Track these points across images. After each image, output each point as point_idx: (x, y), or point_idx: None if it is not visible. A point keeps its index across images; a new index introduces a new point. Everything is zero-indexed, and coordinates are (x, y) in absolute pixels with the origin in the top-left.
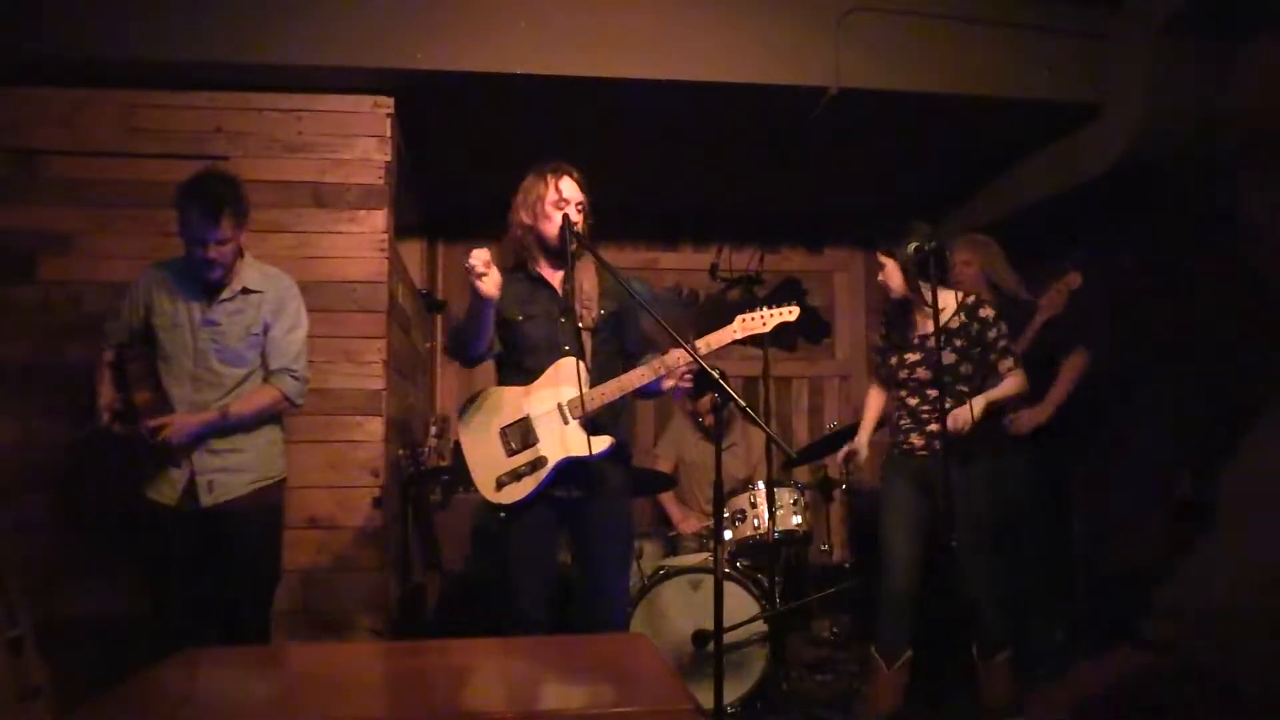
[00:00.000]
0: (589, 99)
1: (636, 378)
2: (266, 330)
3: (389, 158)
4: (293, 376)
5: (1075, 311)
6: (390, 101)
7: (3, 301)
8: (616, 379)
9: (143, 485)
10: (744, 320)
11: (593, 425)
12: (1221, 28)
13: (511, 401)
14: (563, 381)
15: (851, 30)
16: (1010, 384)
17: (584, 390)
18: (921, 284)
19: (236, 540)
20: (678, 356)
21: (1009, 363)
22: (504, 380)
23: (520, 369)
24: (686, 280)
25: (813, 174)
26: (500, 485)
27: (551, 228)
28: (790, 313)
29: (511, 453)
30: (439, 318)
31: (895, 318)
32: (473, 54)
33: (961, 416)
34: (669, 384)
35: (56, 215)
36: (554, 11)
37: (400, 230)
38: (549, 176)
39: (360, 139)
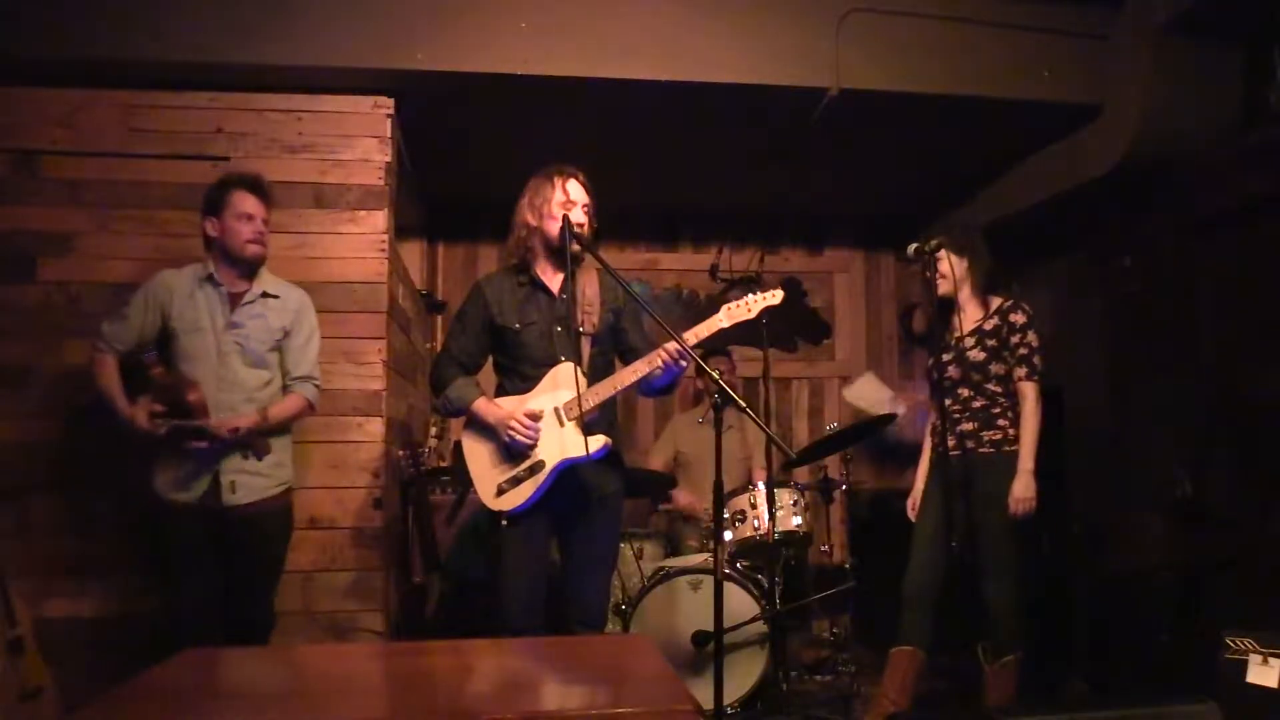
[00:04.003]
0: (589, 99)
1: (629, 375)
2: (285, 336)
3: (389, 158)
4: (315, 384)
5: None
6: (390, 101)
7: (3, 301)
8: (610, 378)
9: (159, 485)
10: (730, 309)
11: (588, 427)
12: (1228, 30)
13: (509, 409)
14: (559, 386)
15: (851, 30)
16: (1029, 416)
17: (580, 392)
18: (968, 286)
19: (252, 542)
20: (665, 349)
21: (1023, 371)
22: (503, 386)
23: (519, 375)
24: (686, 280)
25: (813, 174)
26: (500, 492)
27: (556, 229)
28: (774, 296)
29: (510, 459)
30: (439, 318)
31: (938, 321)
32: (473, 54)
33: (1024, 499)
34: (659, 366)
35: (56, 215)
36: (555, 12)
37: (400, 230)
38: (556, 178)
39: (360, 139)
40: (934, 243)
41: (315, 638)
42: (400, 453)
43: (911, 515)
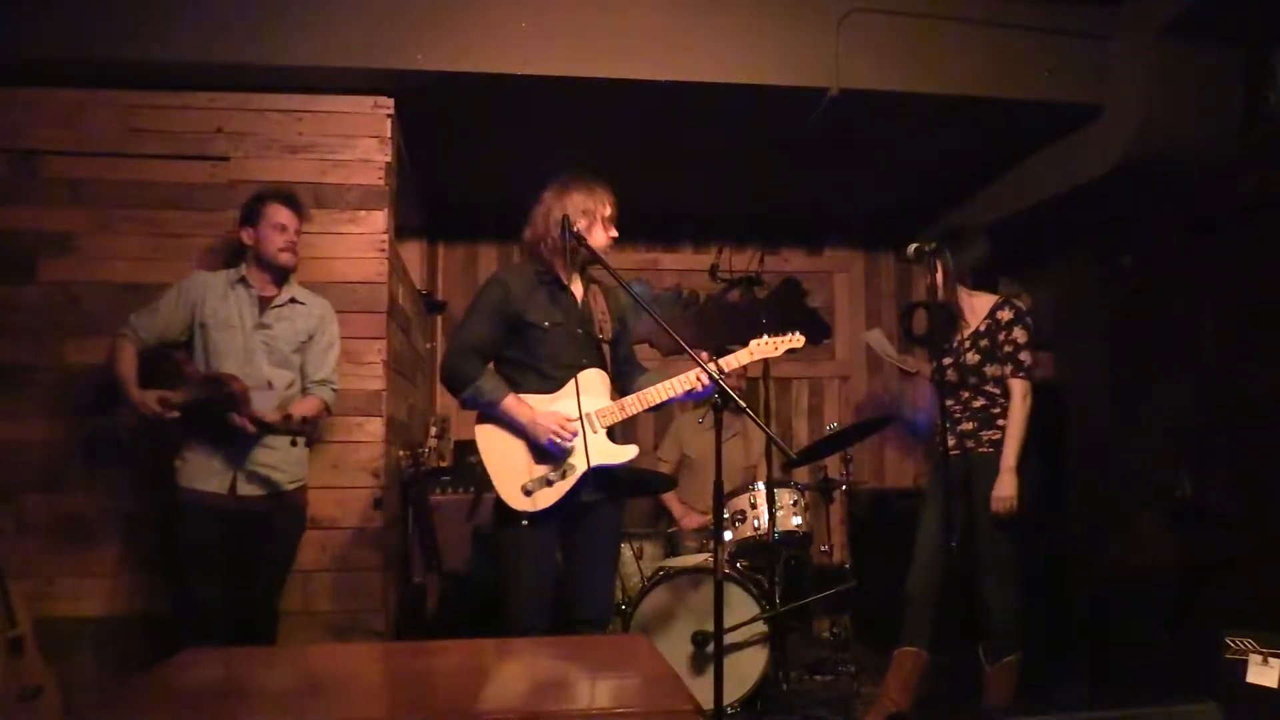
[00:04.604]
0: (589, 99)
1: (659, 393)
2: (309, 340)
3: (389, 158)
4: (332, 389)
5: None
6: (390, 102)
7: (3, 301)
8: (639, 394)
9: (183, 478)
10: (758, 345)
11: (613, 434)
12: (1228, 30)
13: (546, 411)
14: (589, 392)
15: (851, 30)
16: (1015, 413)
17: (612, 401)
18: (963, 288)
19: (265, 538)
20: (700, 379)
21: (1009, 369)
22: (516, 383)
23: (538, 374)
24: (686, 281)
25: (813, 174)
26: (528, 492)
27: (600, 241)
28: (798, 340)
29: (540, 460)
30: (439, 318)
31: (939, 323)
32: (473, 54)
33: (1004, 498)
34: (683, 392)
35: (56, 215)
36: (554, 11)
37: (400, 230)
38: (601, 191)
39: (360, 139)
40: (934, 244)
41: (315, 638)
42: (400, 453)
43: None
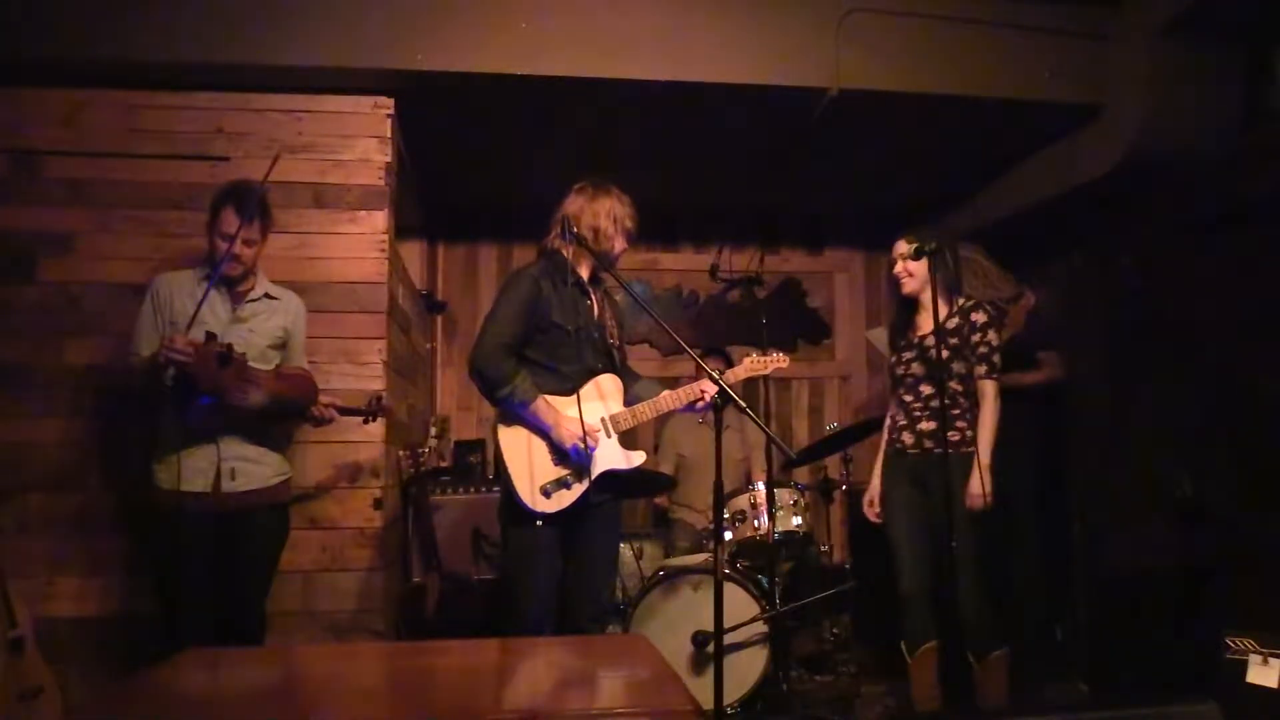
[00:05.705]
0: (589, 99)
1: (669, 401)
2: (286, 336)
3: (389, 158)
4: None
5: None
6: (390, 102)
7: (3, 301)
8: (651, 401)
9: (163, 480)
10: (750, 362)
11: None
12: (1228, 30)
13: (570, 415)
14: (605, 396)
15: (851, 30)
16: (987, 414)
17: (626, 408)
18: (939, 289)
19: (249, 538)
20: (706, 391)
21: (982, 369)
22: (535, 383)
23: (557, 375)
24: (686, 281)
25: (813, 174)
26: (546, 494)
27: (621, 247)
28: (783, 360)
29: (559, 462)
30: (439, 318)
31: (900, 318)
32: (473, 54)
33: (980, 494)
34: (687, 401)
35: (56, 215)
36: (554, 11)
37: (400, 230)
38: (629, 202)
39: (360, 139)
40: (934, 244)
41: (315, 638)
42: (400, 453)
43: (868, 512)
